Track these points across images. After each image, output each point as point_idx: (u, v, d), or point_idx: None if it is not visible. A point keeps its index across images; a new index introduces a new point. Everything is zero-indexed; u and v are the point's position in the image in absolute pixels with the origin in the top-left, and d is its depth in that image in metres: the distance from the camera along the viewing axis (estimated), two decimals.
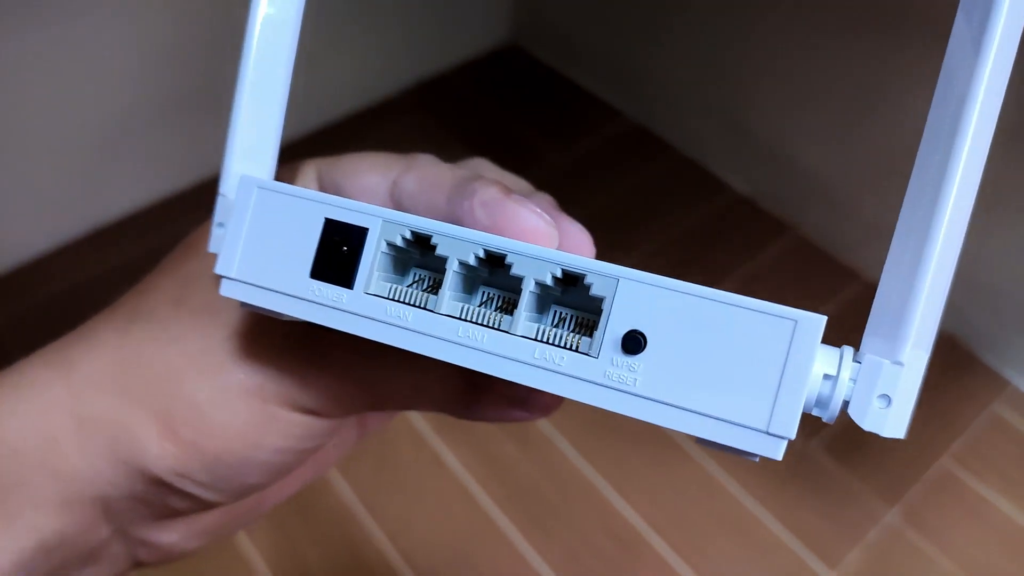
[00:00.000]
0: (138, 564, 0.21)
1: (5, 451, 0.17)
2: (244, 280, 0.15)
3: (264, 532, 0.44)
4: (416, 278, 0.15)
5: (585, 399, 0.13)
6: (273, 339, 0.17)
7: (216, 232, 0.16)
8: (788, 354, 0.12)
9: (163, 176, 0.60)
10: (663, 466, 0.47)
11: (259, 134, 0.16)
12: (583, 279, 0.13)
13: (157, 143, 0.59)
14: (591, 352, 0.13)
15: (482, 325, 0.14)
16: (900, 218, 0.13)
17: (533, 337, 0.13)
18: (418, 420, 0.48)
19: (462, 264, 0.14)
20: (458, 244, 0.14)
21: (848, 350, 0.13)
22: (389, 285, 0.14)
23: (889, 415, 0.12)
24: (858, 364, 0.13)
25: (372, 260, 0.14)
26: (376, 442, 0.47)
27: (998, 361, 0.51)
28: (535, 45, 0.75)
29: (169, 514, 0.19)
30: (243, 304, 0.15)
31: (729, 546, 0.44)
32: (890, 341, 0.12)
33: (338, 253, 0.14)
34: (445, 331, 0.14)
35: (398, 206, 0.18)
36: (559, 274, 0.13)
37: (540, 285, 0.14)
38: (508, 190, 0.16)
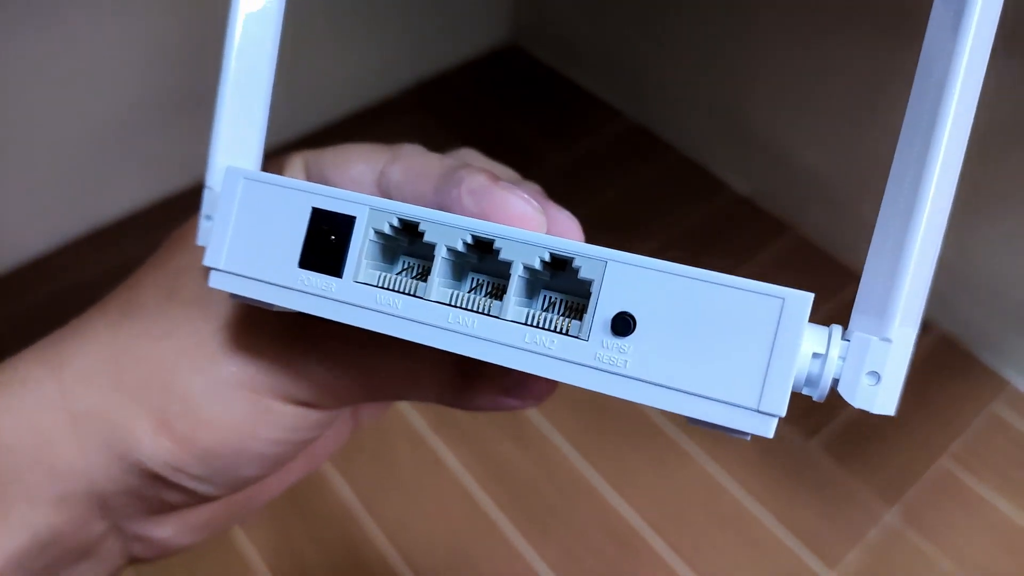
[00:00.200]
0: (133, 560, 0.21)
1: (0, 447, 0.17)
2: (233, 271, 0.15)
3: (262, 531, 0.44)
4: (405, 266, 0.15)
5: (576, 382, 0.13)
6: (265, 330, 0.17)
7: (204, 225, 0.16)
8: (776, 332, 0.12)
9: (163, 176, 0.60)
10: (663, 466, 0.47)
11: (244, 126, 0.16)
12: (571, 263, 0.13)
13: (157, 143, 0.59)
14: (581, 335, 0.13)
15: (472, 311, 0.14)
16: (885, 197, 0.13)
17: (523, 322, 0.13)
18: (416, 419, 0.48)
19: (450, 250, 0.14)
20: (446, 230, 0.14)
21: (836, 328, 0.13)
22: (378, 273, 0.14)
23: (879, 392, 0.12)
24: (847, 342, 0.13)
25: (360, 248, 0.14)
26: (374, 441, 0.47)
27: (997, 361, 0.51)
28: (535, 45, 0.75)
29: (164, 509, 0.19)
30: (232, 296, 0.15)
31: (729, 546, 0.44)
32: (878, 318, 0.12)
33: (326, 242, 0.14)
34: (435, 318, 0.14)
35: (385, 196, 0.18)
36: (547, 258, 0.13)
37: (529, 270, 0.14)
38: (496, 177, 0.16)
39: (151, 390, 0.17)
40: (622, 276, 0.13)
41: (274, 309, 0.15)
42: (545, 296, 0.15)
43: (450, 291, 0.14)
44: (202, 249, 0.17)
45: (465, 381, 0.19)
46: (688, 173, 0.64)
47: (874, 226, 0.14)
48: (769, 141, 0.60)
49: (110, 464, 0.17)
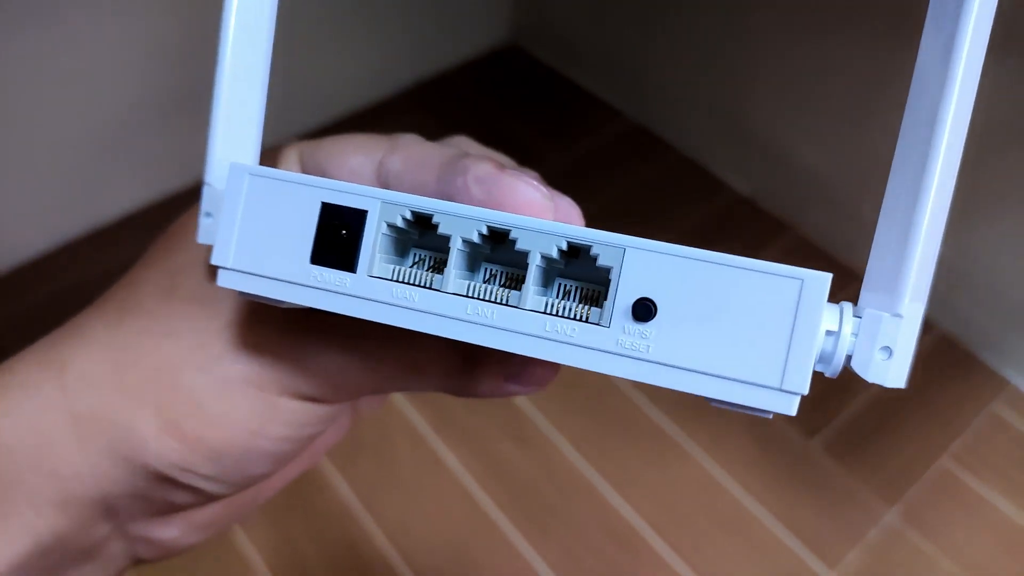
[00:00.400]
0: (138, 561, 0.20)
1: (1, 452, 0.17)
2: (241, 269, 0.15)
3: (263, 530, 0.44)
4: (417, 258, 0.15)
5: (599, 368, 0.13)
6: (269, 327, 0.17)
7: (204, 222, 0.16)
8: (796, 312, 0.12)
9: (163, 176, 0.60)
10: (663, 466, 0.47)
11: (241, 121, 0.16)
12: (589, 250, 0.13)
13: (157, 143, 0.59)
14: (602, 322, 0.13)
15: (491, 302, 0.14)
16: (890, 180, 0.13)
17: (542, 311, 0.13)
18: (416, 418, 0.48)
19: (465, 242, 0.14)
20: (460, 222, 0.14)
21: (848, 306, 0.13)
22: (392, 267, 0.14)
23: (891, 366, 0.12)
24: (858, 319, 0.13)
25: (373, 242, 0.14)
26: (375, 440, 0.47)
27: (997, 361, 0.51)
28: (535, 45, 0.75)
29: (170, 509, 0.19)
30: (241, 294, 0.15)
31: (729, 546, 0.44)
32: (889, 295, 0.13)
33: (338, 237, 0.14)
34: (454, 310, 0.14)
35: (385, 186, 0.18)
36: (564, 247, 0.13)
37: (545, 259, 0.14)
38: (501, 165, 0.16)
39: (155, 390, 0.17)
40: (641, 262, 0.13)
41: (283, 306, 0.15)
42: (560, 284, 0.14)
43: (467, 282, 0.14)
44: (200, 245, 0.17)
45: (469, 369, 0.19)
46: (688, 173, 0.64)
47: (873, 226, 0.14)
48: (769, 141, 0.60)
49: (116, 466, 0.17)
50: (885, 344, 0.12)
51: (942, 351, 0.52)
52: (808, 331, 0.12)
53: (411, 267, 0.14)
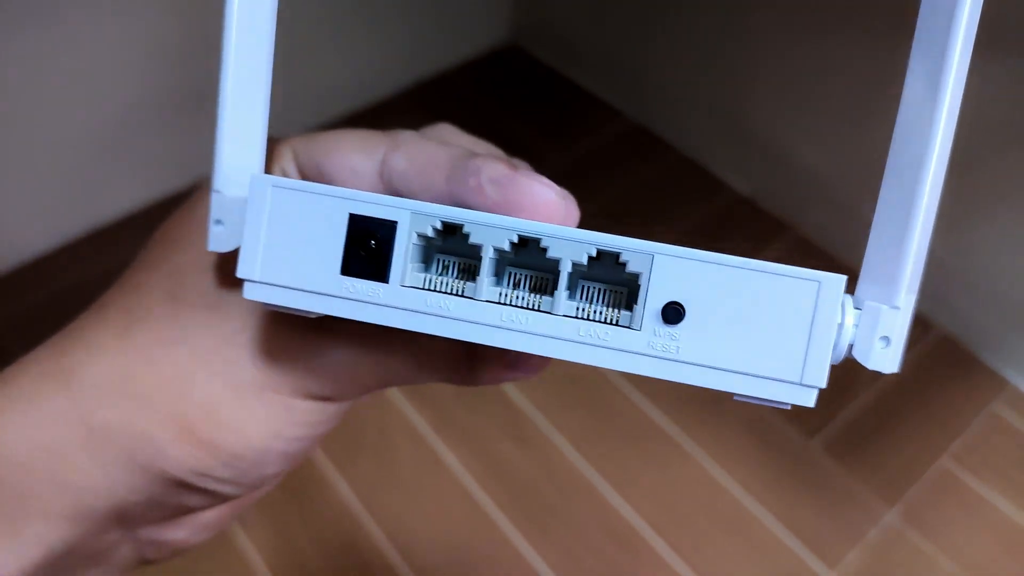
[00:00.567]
0: (144, 562, 0.20)
1: (9, 465, 0.17)
2: (269, 282, 0.15)
3: (263, 530, 0.44)
4: (442, 264, 0.15)
5: (631, 369, 0.14)
6: (280, 330, 0.17)
7: (215, 230, 0.15)
8: (815, 311, 0.13)
9: (163, 176, 0.60)
10: (663, 466, 0.47)
11: (247, 125, 0.16)
12: (618, 257, 0.14)
13: (157, 143, 0.59)
14: (632, 325, 0.14)
15: (524, 308, 0.14)
16: (885, 177, 0.14)
17: (575, 315, 0.14)
18: (417, 418, 0.48)
19: (496, 250, 0.14)
20: (492, 231, 0.14)
21: (848, 299, 0.14)
22: (423, 275, 0.14)
23: (889, 354, 0.13)
24: (859, 311, 0.14)
25: (405, 253, 0.14)
26: (375, 440, 0.47)
27: (998, 361, 0.51)
28: (535, 45, 0.75)
29: (182, 512, 0.19)
30: (267, 305, 0.15)
31: (729, 546, 0.44)
32: (887, 288, 0.13)
33: (368, 248, 0.14)
34: (489, 317, 0.14)
35: (389, 186, 0.18)
36: (594, 254, 0.14)
37: (575, 265, 0.14)
38: (513, 165, 0.16)
39: (170, 398, 0.17)
40: (669, 267, 0.13)
41: (310, 316, 0.15)
42: (583, 286, 0.15)
43: (499, 289, 0.14)
44: (201, 247, 0.17)
45: (471, 360, 0.19)
46: (688, 173, 0.64)
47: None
48: (769, 141, 0.60)
49: (132, 476, 0.17)
50: (884, 334, 0.13)
51: (942, 351, 0.52)
52: (826, 329, 0.13)
53: (440, 275, 0.15)
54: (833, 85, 0.54)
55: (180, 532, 0.20)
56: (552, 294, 0.14)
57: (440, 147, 0.17)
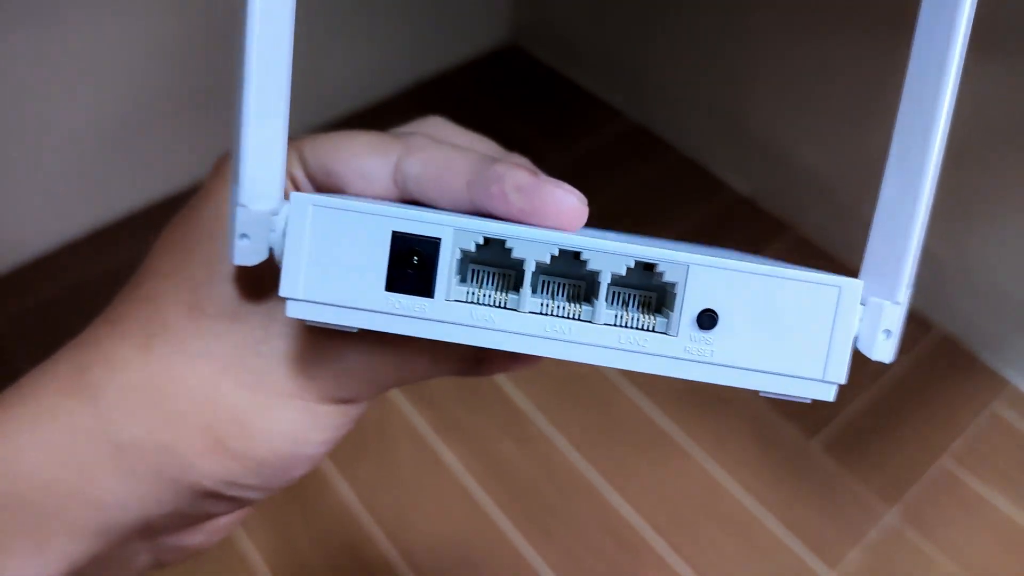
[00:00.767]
0: (159, 566, 0.21)
1: (35, 484, 0.17)
2: (312, 300, 0.15)
3: (263, 531, 0.44)
4: (478, 274, 0.15)
5: (669, 373, 0.14)
6: (302, 339, 0.17)
7: (240, 244, 0.15)
8: (836, 314, 0.14)
9: (163, 176, 0.60)
10: (663, 466, 0.47)
11: (268, 137, 0.15)
12: (654, 267, 0.14)
13: (157, 143, 0.59)
14: (669, 331, 0.14)
15: (566, 318, 0.15)
16: (885, 179, 0.15)
17: (614, 323, 0.15)
18: (417, 419, 0.48)
19: (538, 264, 0.15)
20: (534, 246, 0.14)
21: None
22: (466, 288, 0.15)
23: (889, 346, 0.14)
24: (863, 306, 0.14)
25: (449, 268, 0.14)
26: (375, 441, 0.47)
27: (998, 361, 0.51)
28: (535, 45, 0.75)
29: (206, 518, 0.19)
30: (311, 322, 0.15)
31: (729, 545, 0.44)
32: (890, 286, 0.15)
33: (412, 264, 0.15)
34: (533, 328, 0.15)
35: (403, 190, 0.18)
36: (632, 265, 0.14)
37: (613, 275, 0.14)
38: (535, 171, 0.16)
39: (197, 411, 0.17)
40: (703, 277, 0.14)
41: (352, 331, 0.15)
42: (613, 291, 0.15)
43: (540, 300, 0.15)
44: (215, 255, 0.17)
45: (480, 352, 0.19)
46: (688, 173, 0.64)
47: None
48: (769, 141, 0.60)
49: (160, 490, 0.17)
50: (887, 327, 0.14)
51: (942, 351, 0.52)
52: (846, 329, 0.14)
53: (478, 286, 0.15)
54: (833, 85, 0.54)
55: (199, 536, 0.20)
56: (590, 301, 0.15)
57: (456, 152, 0.17)
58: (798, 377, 0.14)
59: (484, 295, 0.15)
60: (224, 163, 0.18)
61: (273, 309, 0.17)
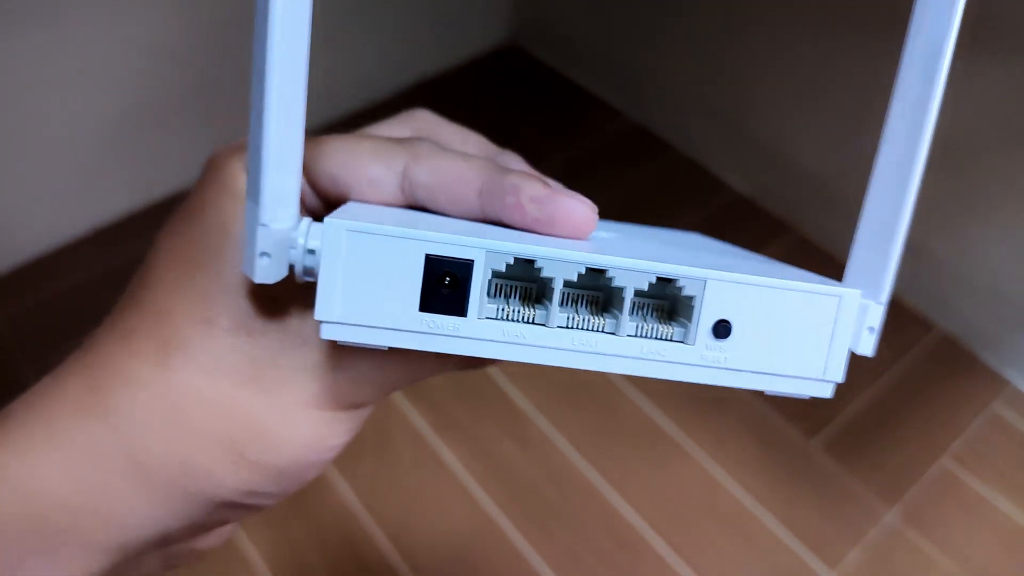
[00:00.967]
0: (168, 568, 0.21)
1: (52, 503, 0.17)
2: (347, 322, 0.15)
3: (264, 531, 0.44)
4: (503, 289, 0.16)
5: (687, 379, 0.15)
6: (317, 350, 0.17)
7: (261, 263, 0.15)
8: (836, 320, 0.15)
9: (163, 176, 0.60)
10: (663, 466, 0.47)
11: (287, 158, 0.15)
12: (674, 281, 0.15)
13: (157, 143, 0.59)
14: (687, 340, 0.15)
15: (591, 331, 0.15)
16: (871, 187, 0.16)
17: (636, 335, 0.15)
18: (418, 419, 0.48)
19: (565, 282, 0.15)
20: (563, 265, 0.15)
21: None
22: (496, 306, 0.15)
23: (872, 340, 0.16)
24: None
25: (481, 288, 0.15)
26: (376, 441, 0.47)
27: (998, 361, 0.51)
28: (535, 45, 0.75)
29: (222, 524, 0.19)
30: (344, 343, 0.15)
31: (729, 545, 0.44)
32: (874, 287, 0.16)
33: (444, 285, 0.15)
34: (561, 341, 0.15)
35: (411, 197, 0.18)
36: (654, 281, 0.15)
37: (636, 291, 0.15)
38: (545, 181, 0.17)
39: (216, 425, 0.17)
40: (719, 290, 0.15)
41: (384, 350, 0.16)
42: (633, 302, 0.16)
43: (567, 315, 0.15)
44: (230, 268, 0.17)
45: None
46: (688, 173, 0.64)
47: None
48: (769, 141, 0.60)
49: (179, 504, 0.17)
50: (871, 325, 0.16)
51: (942, 351, 0.52)
52: (844, 333, 0.15)
53: (505, 301, 0.16)
54: (833, 85, 0.54)
55: (211, 540, 0.21)
56: (611, 312, 0.15)
57: (463, 161, 0.17)
58: (800, 377, 0.16)
59: (513, 311, 0.15)
60: (218, 169, 0.18)
61: (287, 321, 0.17)
